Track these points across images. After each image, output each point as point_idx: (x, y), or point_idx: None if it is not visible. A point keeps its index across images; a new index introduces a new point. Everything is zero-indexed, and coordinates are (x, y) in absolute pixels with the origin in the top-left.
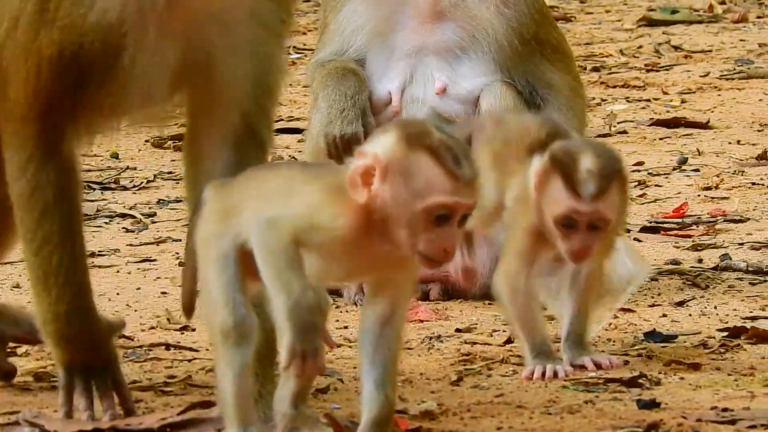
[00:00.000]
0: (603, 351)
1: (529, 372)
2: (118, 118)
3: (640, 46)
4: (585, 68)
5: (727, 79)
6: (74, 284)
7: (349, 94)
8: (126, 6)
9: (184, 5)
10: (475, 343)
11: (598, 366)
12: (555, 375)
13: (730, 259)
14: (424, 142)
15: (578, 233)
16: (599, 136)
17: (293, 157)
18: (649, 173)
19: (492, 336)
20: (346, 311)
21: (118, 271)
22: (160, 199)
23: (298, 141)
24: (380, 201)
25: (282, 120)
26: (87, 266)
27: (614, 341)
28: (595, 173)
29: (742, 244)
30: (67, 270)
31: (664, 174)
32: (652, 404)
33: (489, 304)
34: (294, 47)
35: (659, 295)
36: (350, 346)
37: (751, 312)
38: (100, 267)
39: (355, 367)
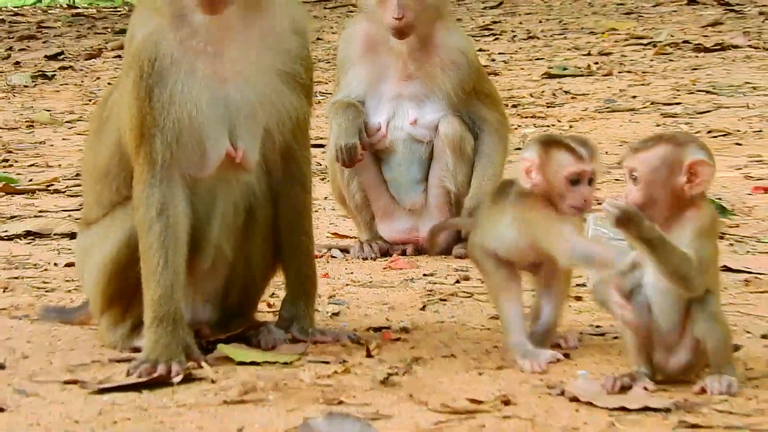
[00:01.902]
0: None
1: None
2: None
3: (543, 91)
4: (507, 105)
5: (599, 112)
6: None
7: (350, 118)
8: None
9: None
10: (435, 283)
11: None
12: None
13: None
14: (551, 141)
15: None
16: (517, 149)
17: (319, 164)
18: None
19: (446, 278)
20: (352, 263)
21: None
22: None
23: (322, 152)
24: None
25: (313, 139)
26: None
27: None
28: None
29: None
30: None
31: None
32: None
33: (444, 257)
34: (320, 92)
35: None
36: (355, 286)
37: None
38: None
39: (358, 298)
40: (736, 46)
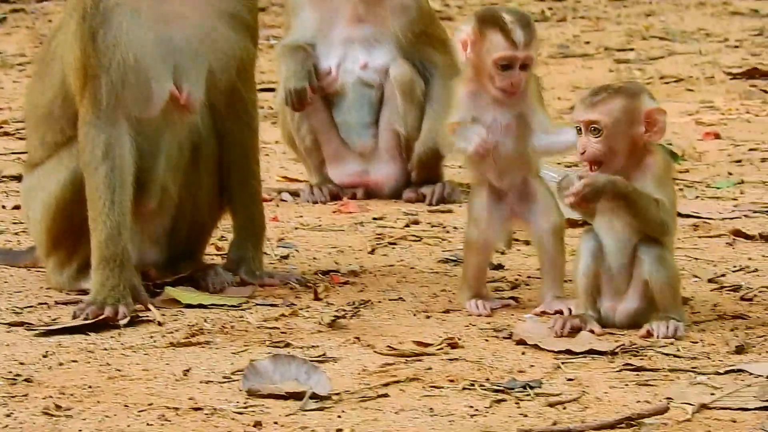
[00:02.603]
0: None
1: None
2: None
3: None
4: None
5: (553, 58)
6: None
7: (299, 61)
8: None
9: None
10: (385, 227)
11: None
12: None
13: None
14: (488, 18)
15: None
16: None
17: (271, 107)
18: None
19: (396, 222)
20: (302, 206)
21: None
22: None
23: (273, 96)
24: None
25: (264, 83)
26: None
27: None
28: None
29: (560, 162)
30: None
31: None
32: (499, 266)
33: (394, 201)
34: (272, 36)
35: None
36: (304, 229)
37: None
38: None
39: (307, 242)
40: None
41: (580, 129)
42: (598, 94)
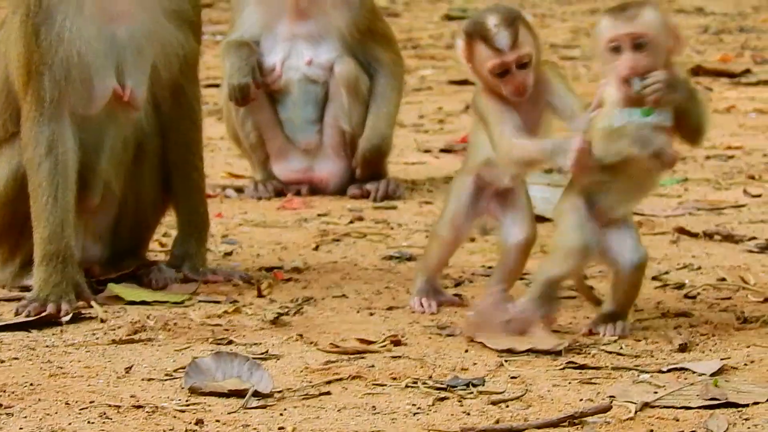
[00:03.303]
0: None
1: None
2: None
3: (442, 33)
4: (407, 47)
5: None
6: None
7: (243, 57)
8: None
9: None
10: (329, 224)
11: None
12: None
13: None
14: (472, 30)
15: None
16: (415, 89)
17: (216, 103)
18: (446, 114)
19: (340, 219)
20: (246, 202)
21: None
22: None
23: (219, 92)
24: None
25: (209, 79)
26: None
27: (418, 222)
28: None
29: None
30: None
31: (456, 115)
32: None
33: (339, 198)
34: (219, 32)
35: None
36: (248, 225)
37: None
38: None
39: (251, 238)
40: None
41: (618, 47)
42: (630, 8)
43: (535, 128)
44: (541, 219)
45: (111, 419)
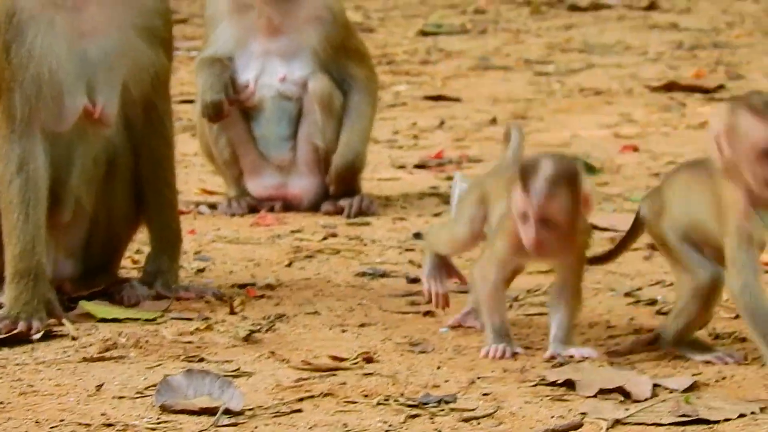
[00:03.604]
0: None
1: (486, 351)
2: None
3: (417, 49)
4: (381, 63)
5: (473, 70)
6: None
7: (216, 73)
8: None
9: None
10: (302, 240)
11: (582, 356)
12: (504, 354)
13: None
14: (742, 103)
15: (532, 227)
16: (390, 105)
17: (190, 119)
18: (420, 130)
19: (314, 235)
20: (220, 219)
21: None
22: None
23: (193, 108)
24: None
25: (183, 95)
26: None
27: (392, 239)
28: (544, 178)
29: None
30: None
31: (430, 131)
32: (416, 280)
33: (312, 214)
34: (194, 48)
35: (423, 209)
36: (221, 242)
37: None
38: None
39: (224, 255)
40: (609, 6)
41: (528, 218)
42: (547, 184)
43: None
44: None
45: None
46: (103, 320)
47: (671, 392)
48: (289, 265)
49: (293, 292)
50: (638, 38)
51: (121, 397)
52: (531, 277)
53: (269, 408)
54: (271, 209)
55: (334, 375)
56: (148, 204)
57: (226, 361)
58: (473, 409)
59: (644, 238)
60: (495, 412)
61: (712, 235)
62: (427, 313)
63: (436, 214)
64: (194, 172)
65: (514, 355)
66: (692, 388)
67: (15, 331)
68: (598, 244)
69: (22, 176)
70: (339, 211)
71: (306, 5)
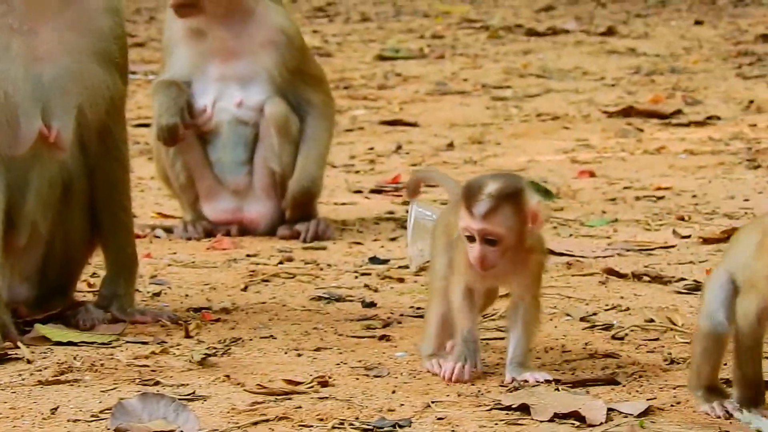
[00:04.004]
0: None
1: (445, 369)
2: None
3: (375, 73)
4: (339, 87)
5: (430, 95)
6: None
7: (171, 97)
8: None
9: None
10: (258, 264)
11: (536, 381)
12: (462, 374)
13: None
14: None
15: (476, 245)
16: (347, 130)
17: (147, 143)
18: (377, 154)
19: (270, 259)
20: (176, 243)
21: None
22: None
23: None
24: None
25: (141, 119)
26: None
27: (348, 263)
28: (484, 195)
29: (435, 200)
30: None
31: (387, 155)
32: (372, 304)
33: (268, 238)
34: (151, 71)
35: (380, 233)
36: (177, 266)
37: None
38: None
39: (180, 278)
40: (567, 31)
41: (473, 237)
42: (487, 201)
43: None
44: None
45: None
46: (59, 343)
47: (626, 417)
48: (245, 289)
49: (249, 316)
50: (596, 63)
51: (76, 420)
52: None
53: (224, 431)
54: (227, 233)
55: (289, 399)
56: (104, 228)
57: (182, 385)
58: None
59: (600, 264)
60: None
61: None
62: (382, 338)
63: (393, 239)
64: (150, 196)
65: (474, 370)
66: (647, 412)
67: None
68: (555, 269)
69: None
70: (295, 236)
71: (260, 30)
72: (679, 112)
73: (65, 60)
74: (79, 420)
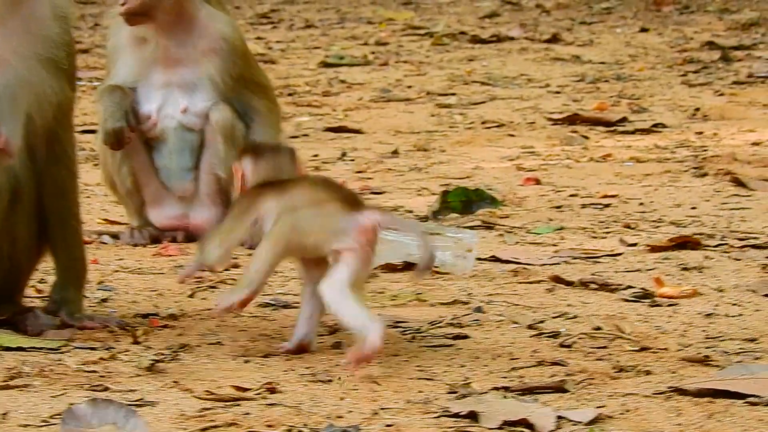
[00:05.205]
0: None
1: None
2: None
3: (319, 80)
4: (283, 94)
5: (375, 102)
6: None
7: (116, 101)
8: None
9: None
10: (204, 271)
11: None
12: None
13: None
14: None
15: None
16: (291, 137)
17: (93, 149)
18: (322, 162)
19: None
20: (122, 249)
21: None
22: None
23: (96, 138)
24: None
25: (86, 125)
26: None
27: (294, 270)
28: None
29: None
30: None
31: (332, 162)
32: None
33: None
34: (96, 78)
35: None
36: (124, 272)
37: None
38: None
39: (127, 285)
40: (512, 38)
41: None
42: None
43: None
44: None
45: None
46: (7, 349)
47: (575, 424)
48: (192, 295)
49: (196, 323)
50: (540, 71)
51: (26, 426)
52: (433, 309)
53: None
54: (174, 240)
55: (237, 405)
56: (53, 234)
57: (130, 391)
58: None
59: (547, 271)
60: None
61: None
62: (333, 345)
63: None
64: (97, 202)
65: None
66: (596, 420)
67: None
68: (501, 277)
69: None
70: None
71: (202, 37)
72: (624, 119)
73: (13, 66)
74: (29, 425)
